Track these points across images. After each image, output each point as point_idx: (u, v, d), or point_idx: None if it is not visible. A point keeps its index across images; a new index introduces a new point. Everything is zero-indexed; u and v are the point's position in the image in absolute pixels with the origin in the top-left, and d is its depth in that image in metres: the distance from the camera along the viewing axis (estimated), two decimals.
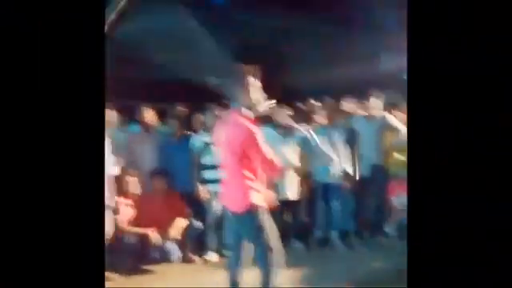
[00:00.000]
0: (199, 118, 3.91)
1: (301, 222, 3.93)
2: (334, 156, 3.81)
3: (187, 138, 3.82)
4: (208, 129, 3.66)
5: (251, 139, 2.03)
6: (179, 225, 3.55)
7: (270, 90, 2.40)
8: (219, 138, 2.23)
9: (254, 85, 2.17)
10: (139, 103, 4.03)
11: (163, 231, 3.47)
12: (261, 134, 2.08)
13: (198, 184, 3.64)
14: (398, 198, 3.92)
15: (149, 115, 3.89)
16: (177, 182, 3.69)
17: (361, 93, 4.20)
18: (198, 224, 3.63)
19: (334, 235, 3.81)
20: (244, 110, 2.14)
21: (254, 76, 2.19)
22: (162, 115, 4.18)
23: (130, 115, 4.05)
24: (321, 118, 3.85)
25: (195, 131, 3.88)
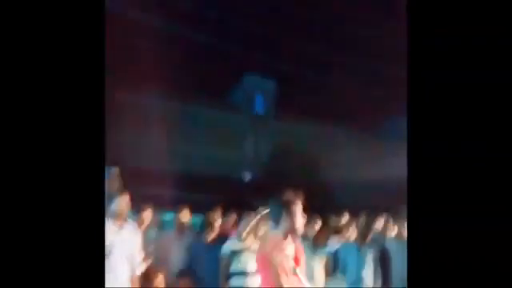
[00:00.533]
0: (234, 224, 4.02)
1: None
2: (364, 275, 3.71)
3: (219, 243, 3.87)
4: (241, 237, 3.74)
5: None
6: None
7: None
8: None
9: (299, 211, 2.28)
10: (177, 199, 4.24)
11: None
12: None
13: None
14: None
15: (185, 216, 4.05)
16: (203, 286, 3.67)
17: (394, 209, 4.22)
18: None
19: None
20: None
21: (298, 202, 2.30)
22: (197, 213, 4.34)
23: (164, 205, 4.25)
24: (353, 234, 3.86)
25: (228, 236, 3.96)
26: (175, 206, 4.12)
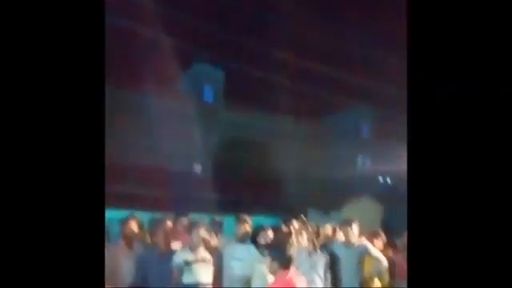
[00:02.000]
0: (185, 233, 3.97)
1: None
2: (315, 280, 3.86)
3: (170, 254, 3.79)
4: (193, 247, 3.71)
5: None
6: None
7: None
8: None
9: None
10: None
11: None
12: None
13: None
14: None
15: (132, 226, 3.91)
16: None
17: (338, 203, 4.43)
18: None
19: None
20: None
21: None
22: (146, 226, 4.23)
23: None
24: (304, 240, 3.99)
25: (179, 247, 3.91)
26: (119, 203, 3.95)
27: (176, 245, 3.97)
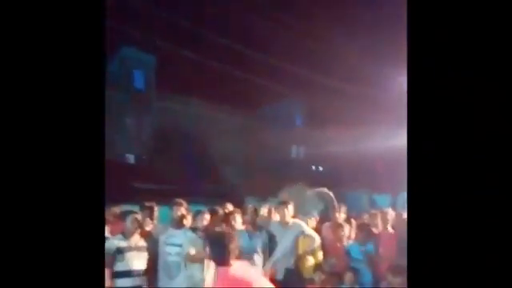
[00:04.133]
0: (119, 217, 3.86)
1: None
2: (255, 258, 3.99)
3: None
4: (126, 233, 3.62)
5: None
6: None
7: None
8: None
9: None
10: None
11: None
12: None
13: None
14: None
15: None
16: None
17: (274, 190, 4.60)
18: None
19: None
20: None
21: None
22: None
23: None
24: (241, 222, 4.09)
25: (111, 234, 3.79)
26: None
27: (108, 232, 3.84)
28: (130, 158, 17.35)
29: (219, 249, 2.32)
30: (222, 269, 2.32)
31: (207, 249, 2.47)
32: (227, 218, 4.17)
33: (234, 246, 2.35)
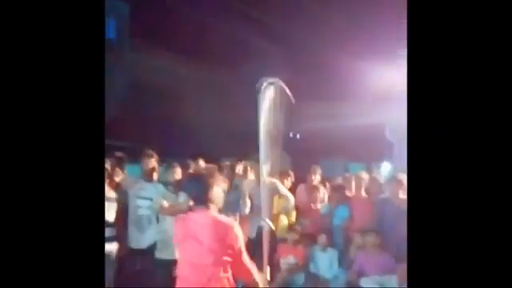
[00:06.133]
0: None
1: None
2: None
3: None
4: None
5: (235, 238, 2.18)
6: None
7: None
8: (183, 235, 2.24)
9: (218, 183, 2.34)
10: None
11: None
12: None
13: None
14: (284, 259, 4.27)
15: None
16: None
17: (250, 154, 4.60)
18: None
19: None
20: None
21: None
22: None
23: None
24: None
25: None
26: None
27: None
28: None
29: (199, 191, 2.29)
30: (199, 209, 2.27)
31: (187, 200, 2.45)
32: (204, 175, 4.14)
33: (216, 193, 2.33)
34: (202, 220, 2.23)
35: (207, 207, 2.27)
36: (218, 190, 2.37)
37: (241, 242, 2.27)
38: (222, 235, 2.19)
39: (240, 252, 2.26)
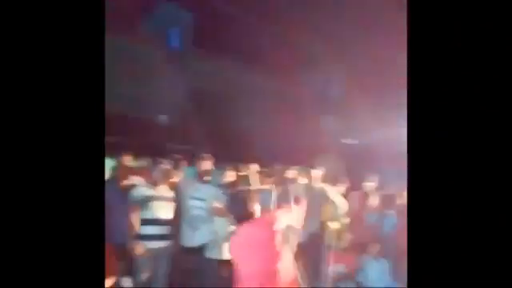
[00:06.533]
0: (147, 169, 4.03)
1: None
2: None
3: (130, 189, 3.84)
4: (154, 182, 3.79)
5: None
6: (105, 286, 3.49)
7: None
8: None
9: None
10: None
11: None
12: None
13: (135, 239, 3.67)
14: (333, 267, 4.22)
15: None
16: (113, 234, 3.68)
17: (304, 160, 4.63)
18: (127, 282, 3.63)
19: None
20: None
21: None
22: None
23: None
24: (266, 183, 4.15)
25: (139, 183, 3.97)
26: None
27: (137, 180, 4.03)
28: (163, 119, 17.75)
29: (239, 207, 2.37)
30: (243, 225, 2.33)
31: (228, 205, 2.50)
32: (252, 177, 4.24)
33: (254, 205, 2.37)
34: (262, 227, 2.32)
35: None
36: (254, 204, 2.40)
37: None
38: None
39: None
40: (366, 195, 4.73)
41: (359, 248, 4.33)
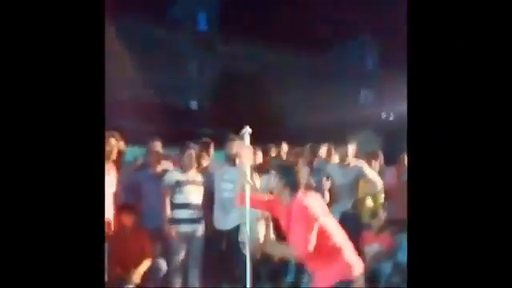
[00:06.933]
0: (178, 155, 4.03)
1: (273, 265, 4.03)
2: None
3: (162, 174, 3.87)
4: (184, 166, 3.79)
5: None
6: (142, 268, 3.55)
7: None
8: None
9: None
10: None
11: (127, 272, 3.49)
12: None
13: (168, 223, 3.71)
14: (369, 246, 4.09)
15: (116, 143, 3.67)
16: (147, 219, 3.75)
17: (339, 137, 4.48)
18: (163, 265, 3.68)
19: (306, 280, 3.91)
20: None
21: None
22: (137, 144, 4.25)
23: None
24: (300, 162, 4.04)
25: (171, 168, 3.98)
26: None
27: (167, 165, 4.05)
28: (193, 104, 17.90)
29: (289, 178, 2.45)
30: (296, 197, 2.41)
31: (277, 180, 2.54)
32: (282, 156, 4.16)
33: (302, 177, 2.48)
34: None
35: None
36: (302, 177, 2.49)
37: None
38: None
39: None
40: (403, 170, 4.53)
41: (397, 226, 4.16)
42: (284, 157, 4.22)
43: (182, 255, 3.72)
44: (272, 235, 3.71)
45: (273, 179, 3.24)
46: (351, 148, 4.17)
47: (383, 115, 16.28)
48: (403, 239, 4.05)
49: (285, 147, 4.51)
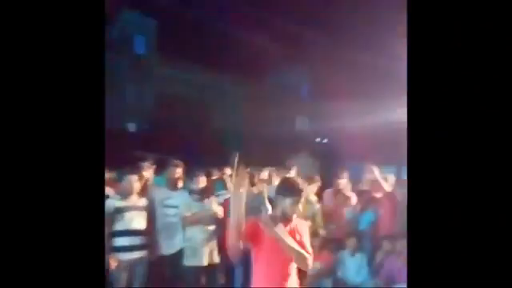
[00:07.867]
0: (116, 180, 3.92)
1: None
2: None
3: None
4: (124, 193, 3.68)
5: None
6: None
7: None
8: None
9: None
10: None
11: None
12: None
13: (109, 252, 3.55)
14: None
15: None
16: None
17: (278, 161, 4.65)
18: None
19: None
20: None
21: None
22: None
23: None
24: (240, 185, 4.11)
25: (109, 194, 3.86)
26: None
27: (107, 191, 3.91)
28: (131, 127, 17.41)
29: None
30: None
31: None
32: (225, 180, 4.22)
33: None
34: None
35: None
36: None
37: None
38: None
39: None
40: (339, 192, 4.79)
41: (335, 244, 4.37)
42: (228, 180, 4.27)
43: (123, 285, 3.57)
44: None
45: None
46: (292, 172, 4.35)
47: (318, 139, 16.96)
48: (343, 256, 4.26)
49: (227, 171, 4.57)
